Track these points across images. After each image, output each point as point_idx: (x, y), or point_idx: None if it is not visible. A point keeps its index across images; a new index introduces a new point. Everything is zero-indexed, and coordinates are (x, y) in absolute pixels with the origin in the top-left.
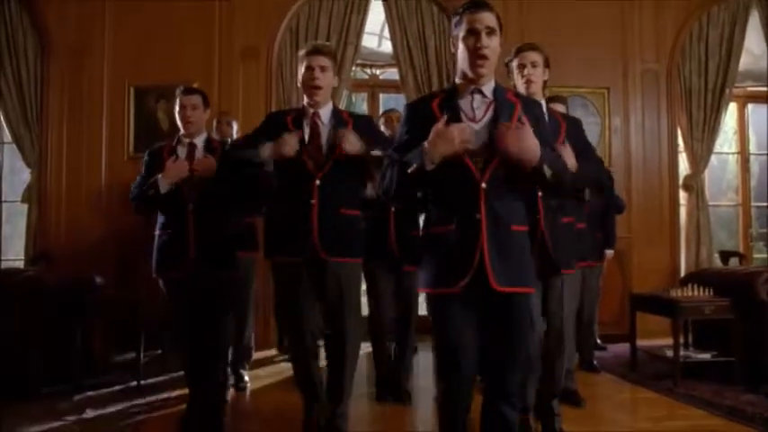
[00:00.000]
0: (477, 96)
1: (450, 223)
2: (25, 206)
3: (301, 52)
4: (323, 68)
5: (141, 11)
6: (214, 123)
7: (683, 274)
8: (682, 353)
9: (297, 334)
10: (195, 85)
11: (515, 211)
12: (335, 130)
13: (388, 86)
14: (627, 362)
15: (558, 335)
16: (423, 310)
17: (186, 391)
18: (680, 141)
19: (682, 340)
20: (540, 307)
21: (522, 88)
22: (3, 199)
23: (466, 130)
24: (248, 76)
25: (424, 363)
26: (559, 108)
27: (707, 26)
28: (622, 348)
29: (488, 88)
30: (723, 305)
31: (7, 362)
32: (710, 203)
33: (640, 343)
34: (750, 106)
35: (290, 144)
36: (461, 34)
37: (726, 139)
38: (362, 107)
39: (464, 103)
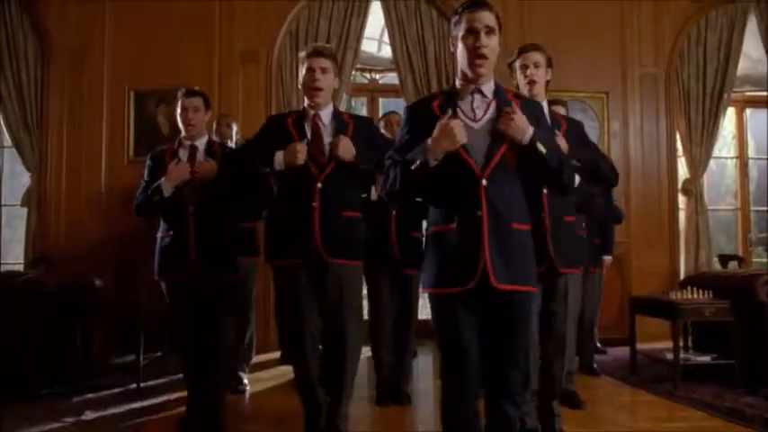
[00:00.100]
0: (478, 96)
1: (451, 221)
2: (25, 210)
3: (302, 54)
4: (324, 70)
5: (141, 15)
6: (214, 125)
7: (682, 278)
8: (681, 355)
9: (297, 336)
10: (196, 88)
11: (516, 209)
12: (337, 132)
13: (388, 91)
14: (627, 365)
15: (559, 336)
16: (422, 314)
17: (185, 393)
18: (679, 146)
19: (681, 343)
20: (539, 307)
21: (524, 89)
22: (2, 203)
23: (459, 125)
24: (248, 79)
25: (423, 366)
26: (560, 111)
27: (705, 31)
28: (622, 352)
29: (488, 88)
30: (723, 307)
31: (7, 363)
32: (709, 208)
33: (640, 346)
34: (748, 111)
35: (302, 153)
36: (460, 34)
37: (724, 144)
38: (362, 111)
39: (464, 104)
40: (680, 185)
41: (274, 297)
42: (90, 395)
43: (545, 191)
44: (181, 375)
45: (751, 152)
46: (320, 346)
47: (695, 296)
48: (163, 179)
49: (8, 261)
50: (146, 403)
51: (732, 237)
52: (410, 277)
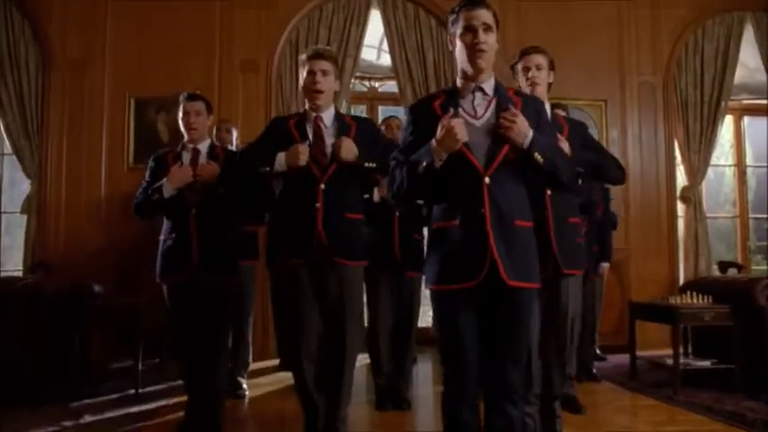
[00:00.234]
0: (479, 94)
1: (453, 218)
2: (24, 218)
3: (302, 57)
4: (324, 72)
5: (142, 23)
6: (213, 131)
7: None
8: (681, 360)
9: (296, 337)
10: (197, 92)
11: (519, 206)
12: (339, 134)
13: (387, 99)
14: (626, 371)
15: (560, 337)
16: (422, 322)
17: (184, 398)
18: (677, 153)
19: (681, 349)
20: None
21: (527, 91)
22: (2, 210)
23: (461, 123)
24: (248, 88)
25: (423, 373)
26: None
27: (702, 40)
28: (622, 359)
29: (489, 86)
30: (722, 312)
31: (6, 368)
32: (708, 215)
33: (640, 353)
34: (746, 119)
35: (303, 154)
36: (458, 31)
37: (722, 153)
38: None
39: (465, 102)
40: (678, 193)
41: (271, 301)
42: (88, 400)
43: (548, 192)
44: (179, 381)
45: (749, 160)
46: (319, 350)
47: (695, 301)
48: (164, 180)
49: (7, 269)
50: (144, 408)
51: (731, 245)
52: (411, 280)
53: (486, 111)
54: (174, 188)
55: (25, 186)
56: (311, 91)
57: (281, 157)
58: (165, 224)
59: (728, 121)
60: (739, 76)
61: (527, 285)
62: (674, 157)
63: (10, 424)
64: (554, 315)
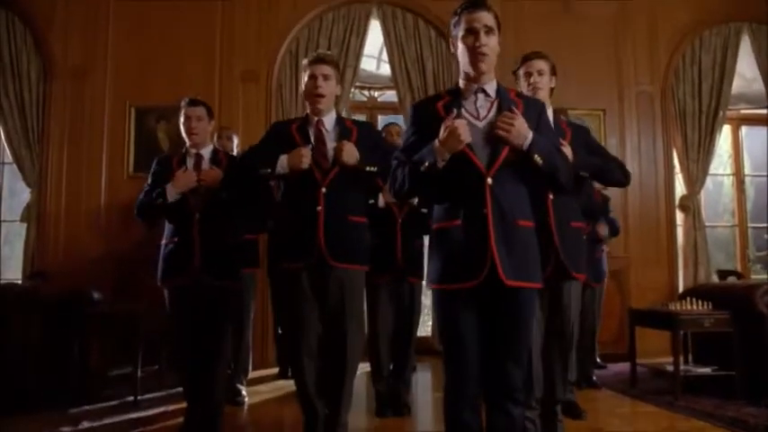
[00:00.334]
0: (481, 96)
1: (455, 218)
2: (23, 228)
3: (304, 61)
4: (326, 77)
5: (143, 33)
6: (214, 138)
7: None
8: (682, 367)
9: (297, 341)
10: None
11: (521, 206)
12: (340, 137)
13: (387, 108)
14: (627, 379)
15: (561, 340)
16: (421, 331)
17: (183, 405)
18: (676, 162)
19: (681, 357)
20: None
21: (533, 93)
22: (1, 219)
23: (463, 124)
24: (248, 98)
25: (423, 381)
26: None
27: (699, 50)
28: (622, 367)
29: (491, 87)
30: (722, 318)
31: (5, 374)
32: (707, 224)
33: (640, 361)
34: (744, 129)
35: (306, 157)
36: (460, 34)
37: (720, 163)
38: None
39: (468, 103)
40: (677, 202)
41: (271, 303)
42: (87, 406)
43: (551, 196)
44: (178, 389)
45: (747, 170)
46: (319, 356)
47: (695, 307)
48: (169, 185)
49: (7, 278)
50: (142, 414)
51: (730, 255)
52: (412, 285)
53: (488, 112)
54: (178, 192)
55: (25, 196)
56: (313, 95)
57: (283, 160)
58: (167, 228)
59: (726, 130)
60: (737, 86)
61: (527, 285)
62: (672, 167)
63: (9, 429)
64: (557, 319)
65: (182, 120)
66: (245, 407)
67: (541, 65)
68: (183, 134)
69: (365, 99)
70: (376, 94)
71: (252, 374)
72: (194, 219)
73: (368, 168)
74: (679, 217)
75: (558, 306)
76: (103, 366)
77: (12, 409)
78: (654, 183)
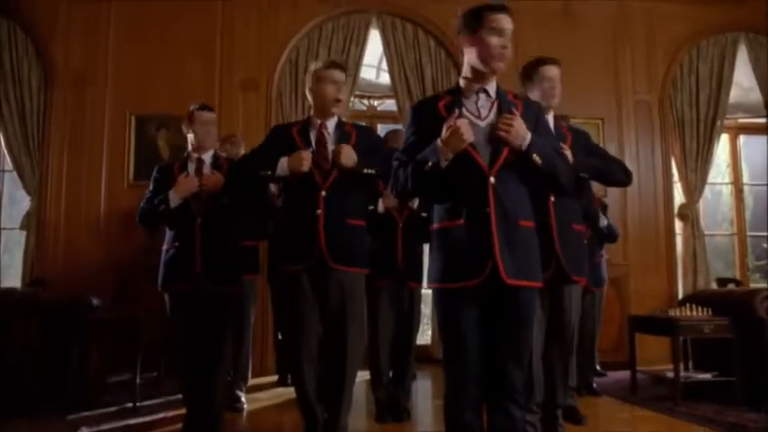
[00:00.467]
0: (483, 95)
1: (457, 218)
2: (23, 237)
3: (317, 66)
4: (342, 83)
5: (143, 42)
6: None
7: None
8: (682, 373)
9: (296, 337)
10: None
11: (522, 206)
12: (340, 141)
13: (386, 117)
14: (627, 386)
15: (563, 344)
16: (420, 339)
17: (182, 411)
18: (674, 171)
19: (682, 363)
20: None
21: (547, 100)
22: (1, 227)
23: (466, 123)
24: (248, 107)
25: (422, 389)
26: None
27: (696, 59)
28: (622, 375)
29: (492, 88)
30: (722, 324)
31: (4, 379)
32: (706, 233)
33: (640, 369)
34: (742, 138)
35: (306, 160)
36: (484, 32)
37: (719, 172)
38: None
39: (469, 102)
40: (676, 210)
41: (271, 306)
42: (86, 413)
43: (552, 198)
44: (177, 395)
45: (745, 179)
46: (320, 361)
47: (694, 313)
48: (171, 191)
49: (6, 286)
50: (141, 420)
51: (729, 264)
52: (412, 290)
53: (489, 112)
54: (181, 198)
55: (25, 204)
56: (333, 100)
57: (283, 162)
58: (169, 234)
59: (724, 139)
60: (734, 95)
61: (528, 284)
62: (671, 175)
63: None
64: (557, 321)
65: (195, 125)
66: (245, 413)
67: (557, 71)
68: (195, 139)
69: (365, 108)
70: (375, 103)
71: (251, 382)
72: (196, 224)
73: (366, 171)
74: (678, 225)
75: (558, 308)
76: (102, 373)
77: (11, 414)
78: (652, 191)
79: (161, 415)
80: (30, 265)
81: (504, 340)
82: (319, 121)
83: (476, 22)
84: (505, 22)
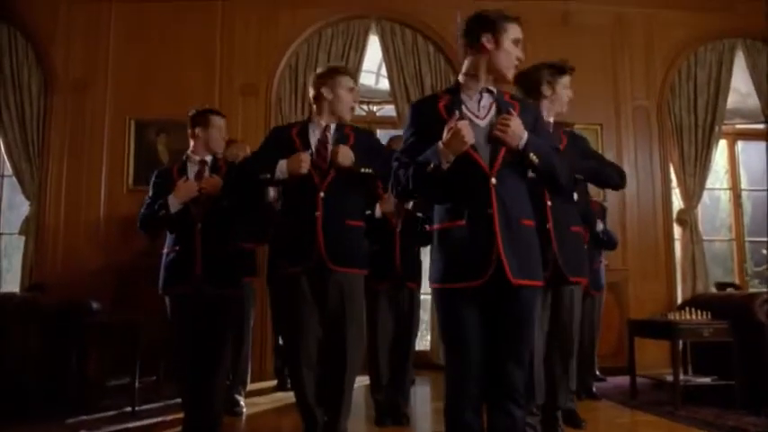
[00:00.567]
0: (486, 95)
1: (459, 218)
2: (22, 242)
3: (331, 71)
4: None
5: (143, 47)
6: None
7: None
8: (682, 377)
9: (295, 341)
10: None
11: (523, 205)
12: (338, 142)
13: (385, 123)
14: (626, 390)
15: (563, 345)
16: (420, 345)
17: (181, 416)
18: (672, 177)
19: (681, 368)
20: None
21: (562, 107)
22: (0, 232)
23: (467, 125)
24: (248, 112)
25: (421, 393)
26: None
27: (695, 66)
28: (622, 380)
29: (494, 88)
30: (721, 328)
31: (3, 384)
32: (705, 238)
33: (640, 373)
34: (740, 144)
35: (305, 162)
36: (510, 39)
37: (717, 178)
38: None
39: (470, 102)
40: (675, 216)
41: (270, 308)
42: (85, 416)
43: (549, 202)
44: (176, 399)
45: (743, 185)
46: (319, 365)
47: (694, 317)
48: (171, 195)
49: (5, 291)
50: (140, 424)
51: (728, 269)
52: (411, 292)
53: (488, 112)
54: (180, 203)
55: (24, 209)
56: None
57: (282, 165)
58: (169, 238)
59: (722, 145)
60: (732, 101)
61: (531, 283)
62: (669, 181)
63: None
64: (557, 322)
65: (210, 130)
66: (244, 417)
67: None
68: (209, 143)
69: (364, 113)
70: (375, 108)
71: (250, 387)
72: (196, 228)
73: (363, 170)
74: (677, 231)
75: (558, 309)
76: (101, 376)
77: (10, 418)
78: (651, 197)
79: (160, 419)
80: (29, 270)
81: (504, 340)
82: (325, 123)
83: (498, 26)
84: (521, 33)
